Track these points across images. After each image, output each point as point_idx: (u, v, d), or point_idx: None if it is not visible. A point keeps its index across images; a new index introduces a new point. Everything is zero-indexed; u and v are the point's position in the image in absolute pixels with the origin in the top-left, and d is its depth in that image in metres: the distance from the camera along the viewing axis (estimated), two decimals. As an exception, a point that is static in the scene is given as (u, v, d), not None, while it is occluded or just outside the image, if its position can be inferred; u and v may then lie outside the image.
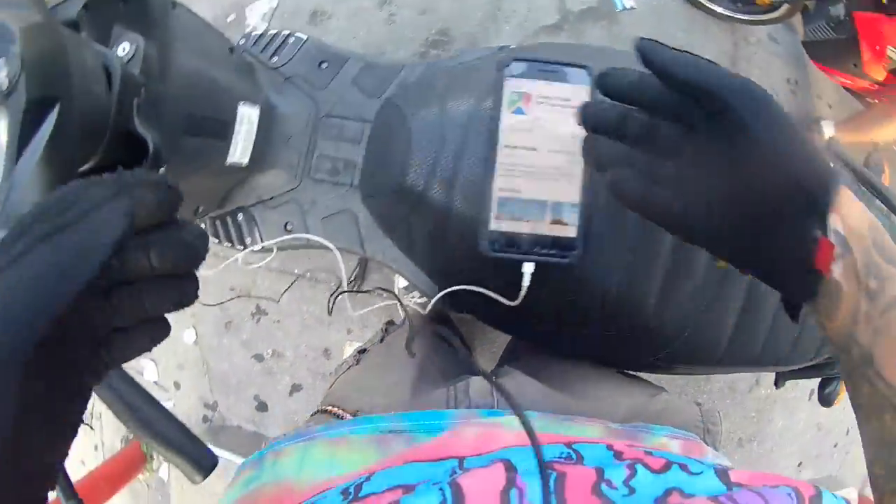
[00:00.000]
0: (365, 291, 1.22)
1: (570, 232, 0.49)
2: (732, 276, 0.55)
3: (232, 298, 1.41)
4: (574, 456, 0.29)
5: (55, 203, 0.20)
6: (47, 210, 0.20)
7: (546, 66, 0.51)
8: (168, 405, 1.46)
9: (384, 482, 0.28)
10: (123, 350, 0.24)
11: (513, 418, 0.34)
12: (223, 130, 0.72)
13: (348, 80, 0.86)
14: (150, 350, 0.25)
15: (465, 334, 0.96)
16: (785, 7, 1.41)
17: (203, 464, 0.41)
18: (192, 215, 0.77)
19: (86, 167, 0.49)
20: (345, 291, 0.60)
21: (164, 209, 0.22)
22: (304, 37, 0.92)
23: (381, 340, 0.63)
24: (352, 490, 0.28)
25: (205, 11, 1.63)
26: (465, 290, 0.54)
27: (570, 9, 1.42)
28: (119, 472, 1.31)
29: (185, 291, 0.24)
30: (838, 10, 1.29)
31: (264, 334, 1.41)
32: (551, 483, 0.25)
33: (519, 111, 0.50)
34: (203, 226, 0.89)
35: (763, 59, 1.61)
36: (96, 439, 1.53)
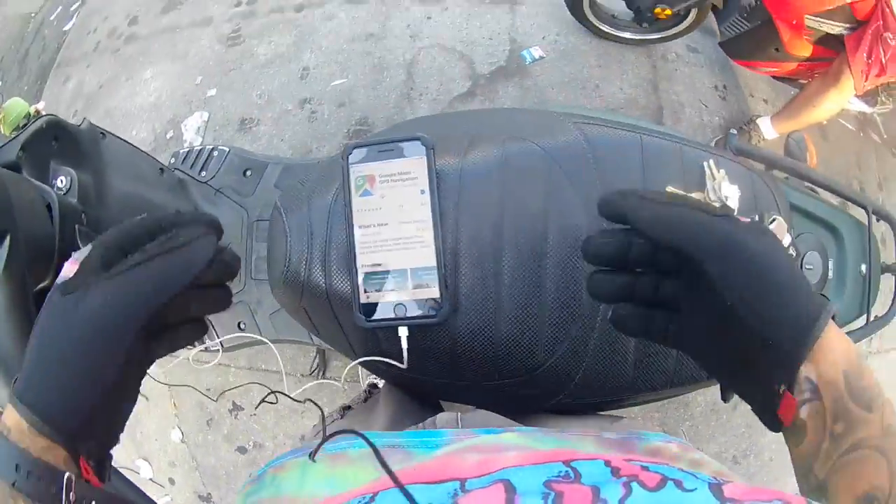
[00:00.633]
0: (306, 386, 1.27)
1: (434, 293, 0.52)
2: None
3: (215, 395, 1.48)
4: (572, 474, 0.29)
5: (165, 225, 0.30)
6: (156, 230, 0.30)
7: (383, 146, 0.55)
8: (166, 500, 1.54)
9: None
10: (171, 342, 0.33)
11: (511, 435, 0.36)
12: None
13: (271, 185, 0.94)
14: (189, 345, 0.34)
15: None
16: (693, 14, 1.40)
17: None
18: None
19: (41, 286, 0.54)
20: (274, 392, 0.65)
21: (220, 240, 0.33)
22: (227, 149, 0.97)
23: (365, 400, 0.67)
24: None
25: (146, 133, 1.75)
26: (365, 360, 0.58)
27: (481, 73, 1.46)
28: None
29: (222, 298, 0.34)
30: None
31: (243, 428, 1.47)
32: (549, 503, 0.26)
33: (366, 193, 0.54)
34: None
35: (685, 73, 1.61)
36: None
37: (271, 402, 0.58)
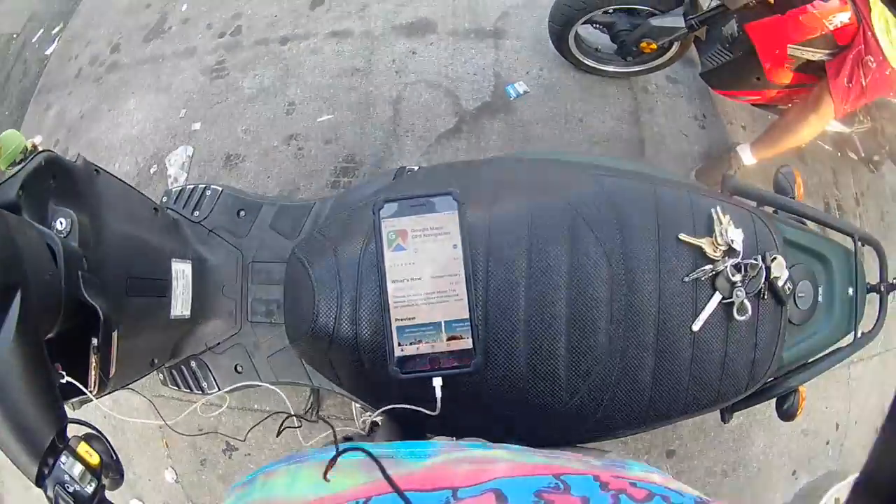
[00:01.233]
0: (312, 420, 1.26)
1: (467, 344, 0.54)
2: (634, 344, 0.61)
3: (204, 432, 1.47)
4: (561, 486, 0.29)
5: None
6: None
7: (415, 200, 0.56)
8: (163, 538, 1.53)
9: None
10: None
11: (502, 451, 0.36)
12: (162, 288, 0.77)
13: (266, 225, 0.93)
14: None
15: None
16: (675, 46, 1.42)
17: None
18: (149, 367, 0.81)
19: (50, 335, 0.54)
20: (287, 427, 0.65)
21: None
22: (220, 188, 0.97)
23: (367, 434, 0.70)
24: None
25: (129, 166, 1.72)
26: (394, 407, 0.59)
27: (466, 108, 1.47)
28: None
29: None
30: (731, 28, 1.29)
31: (238, 467, 1.45)
32: None
33: (399, 248, 0.55)
34: (161, 376, 0.94)
35: (666, 104, 1.64)
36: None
37: (293, 427, 0.57)
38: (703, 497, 0.30)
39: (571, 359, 0.58)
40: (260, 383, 0.84)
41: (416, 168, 0.87)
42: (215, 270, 0.88)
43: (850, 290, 0.77)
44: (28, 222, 0.53)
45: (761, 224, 0.69)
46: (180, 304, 0.80)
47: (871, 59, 1.17)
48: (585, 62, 1.54)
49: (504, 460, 0.34)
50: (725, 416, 0.78)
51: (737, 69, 1.35)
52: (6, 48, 2.51)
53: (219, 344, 0.89)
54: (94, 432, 0.49)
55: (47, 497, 0.44)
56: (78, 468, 0.44)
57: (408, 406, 0.57)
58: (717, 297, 0.62)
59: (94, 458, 0.46)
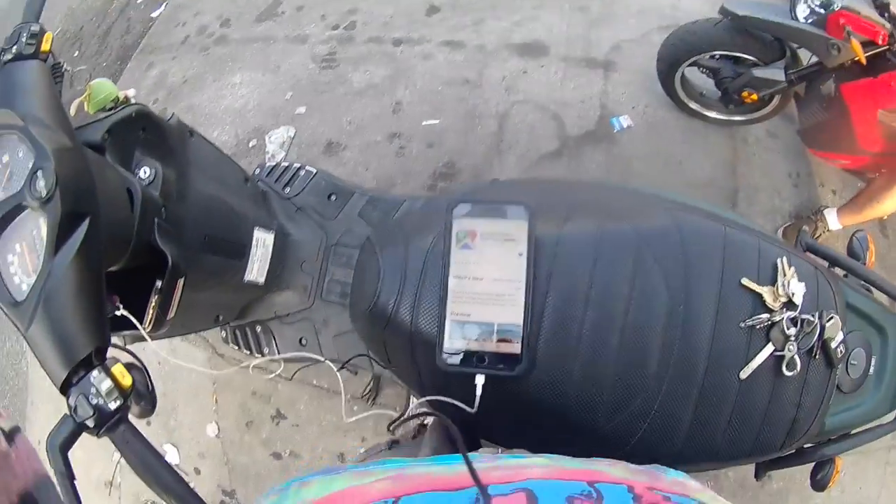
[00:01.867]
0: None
1: (515, 349, 0.56)
2: (680, 380, 0.60)
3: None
4: (594, 494, 0.29)
5: None
6: None
7: (488, 205, 0.59)
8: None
9: None
10: None
11: (538, 458, 0.35)
12: (239, 251, 0.79)
13: (355, 213, 0.96)
14: None
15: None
16: (776, 99, 1.43)
17: None
18: (213, 322, 0.83)
19: (115, 268, 0.56)
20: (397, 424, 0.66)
21: None
22: (314, 170, 1.01)
23: (414, 437, 0.70)
24: None
25: (228, 136, 1.79)
26: (435, 399, 0.60)
27: (570, 134, 1.50)
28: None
29: None
30: (829, 87, 1.29)
31: (283, 435, 1.48)
32: None
33: (466, 246, 0.58)
34: (224, 333, 0.97)
35: (762, 158, 1.64)
36: (115, 506, 1.63)
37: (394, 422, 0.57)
38: None
39: (616, 384, 0.59)
40: (320, 357, 0.85)
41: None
42: (298, 246, 0.91)
43: None
44: (109, 163, 0.56)
45: (825, 283, 0.68)
46: (256, 270, 0.83)
47: None
48: (689, 104, 1.56)
49: (539, 465, 0.34)
50: (759, 474, 0.77)
51: (832, 130, 1.35)
52: (108, 2, 2.62)
53: (288, 315, 0.92)
54: (136, 362, 0.50)
55: (67, 405, 0.44)
56: (107, 384, 0.44)
57: (448, 399, 0.58)
58: (770, 347, 0.61)
59: (126, 380, 0.46)
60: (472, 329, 0.57)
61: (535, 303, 0.58)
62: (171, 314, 0.64)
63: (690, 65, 1.40)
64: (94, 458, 1.52)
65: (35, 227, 0.47)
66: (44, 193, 0.46)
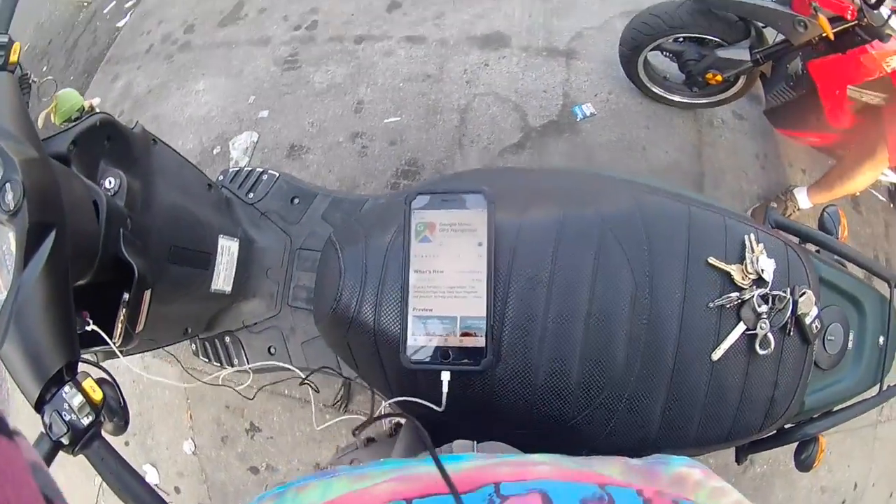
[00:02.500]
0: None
1: (479, 342, 0.54)
2: (650, 366, 0.59)
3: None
4: (606, 498, 0.28)
5: None
6: None
7: (446, 195, 0.57)
8: (169, 508, 1.55)
9: None
10: None
11: (544, 455, 0.35)
12: (205, 261, 0.78)
13: (318, 215, 0.95)
14: None
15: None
16: (742, 80, 1.42)
17: None
18: (182, 335, 0.83)
19: (83, 282, 0.56)
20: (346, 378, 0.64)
21: None
22: (276, 174, 0.99)
23: (390, 436, 0.68)
24: None
25: (193, 144, 1.77)
26: (401, 400, 0.60)
27: (532, 125, 1.48)
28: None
29: None
30: (796, 66, 1.28)
31: (258, 448, 1.47)
32: None
33: (425, 239, 0.56)
34: (194, 346, 0.96)
35: (729, 140, 1.63)
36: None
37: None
38: None
39: (584, 372, 0.57)
40: (290, 367, 0.85)
41: None
42: (262, 252, 0.90)
43: (881, 339, 0.74)
44: (75, 174, 0.56)
45: (796, 258, 0.67)
46: (222, 279, 0.82)
47: None
48: (653, 89, 1.55)
49: (545, 462, 0.34)
50: (739, 458, 0.76)
51: (799, 108, 1.35)
52: (76, 15, 2.60)
53: (256, 324, 0.91)
54: (106, 377, 0.50)
55: (43, 423, 0.44)
56: (78, 399, 0.45)
57: (415, 399, 0.57)
58: (741, 327, 0.60)
59: (97, 394, 0.46)
60: (435, 324, 0.55)
61: (498, 293, 0.56)
62: (140, 327, 0.63)
63: (653, 49, 1.39)
64: (76, 482, 1.51)
65: (4, 242, 0.47)
66: (12, 206, 0.45)
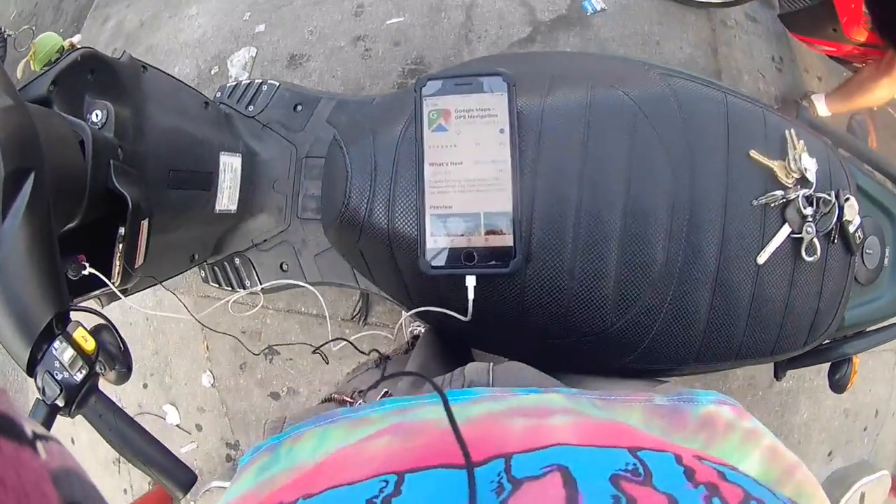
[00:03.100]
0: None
1: (507, 241, 0.48)
2: (692, 267, 0.53)
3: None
4: (641, 470, 0.24)
5: None
6: None
7: (461, 79, 0.51)
8: (191, 447, 1.49)
9: (416, 496, 0.23)
10: None
11: (556, 396, 0.32)
12: (207, 181, 0.74)
13: (323, 120, 0.88)
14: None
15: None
16: None
17: (183, 481, 0.44)
18: (188, 263, 0.79)
19: (72, 224, 0.53)
20: (319, 346, 0.59)
21: None
22: (277, 83, 0.92)
23: (406, 352, 0.64)
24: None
25: (189, 69, 1.70)
26: (422, 310, 0.54)
27: (541, 19, 1.43)
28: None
29: None
30: None
31: (278, 373, 1.42)
32: None
33: (440, 128, 0.50)
34: (203, 273, 0.92)
35: (744, 41, 1.58)
36: (125, 483, 1.56)
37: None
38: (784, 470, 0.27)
39: (622, 275, 0.51)
40: (302, 284, 0.80)
41: None
42: (267, 165, 0.85)
43: None
44: (56, 113, 0.53)
45: (836, 161, 0.61)
46: (226, 198, 0.78)
47: None
48: (665, -13, 1.49)
49: (561, 410, 0.30)
50: (779, 373, 0.71)
51: (814, 16, 1.30)
52: (62, -26, 2.53)
53: (265, 241, 0.85)
54: (103, 322, 0.47)
55: (37, 387, 0.42)
56: (69, 353, 0.42)
57: (438, 309, 0.52)
58: (787, 228, 0.54)
59: (89, 344, 0.43)
60: (456, 223, 0.49)
61: (524, 186, 0.50)
62: (140, 261, 0.59)
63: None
64: (98, 436, 1.45)
65: None
66: None
